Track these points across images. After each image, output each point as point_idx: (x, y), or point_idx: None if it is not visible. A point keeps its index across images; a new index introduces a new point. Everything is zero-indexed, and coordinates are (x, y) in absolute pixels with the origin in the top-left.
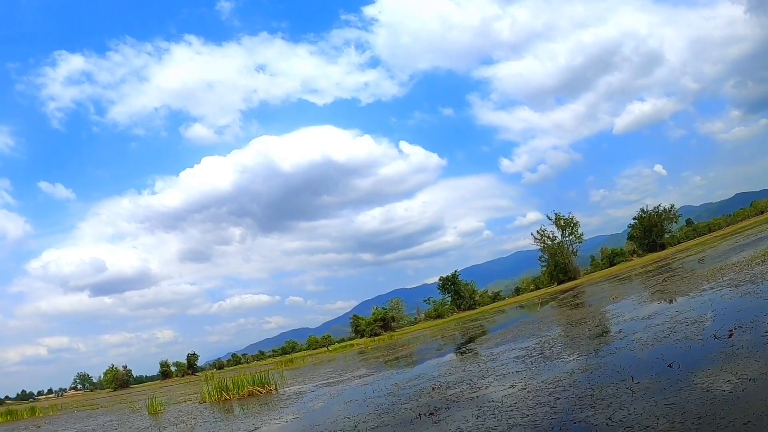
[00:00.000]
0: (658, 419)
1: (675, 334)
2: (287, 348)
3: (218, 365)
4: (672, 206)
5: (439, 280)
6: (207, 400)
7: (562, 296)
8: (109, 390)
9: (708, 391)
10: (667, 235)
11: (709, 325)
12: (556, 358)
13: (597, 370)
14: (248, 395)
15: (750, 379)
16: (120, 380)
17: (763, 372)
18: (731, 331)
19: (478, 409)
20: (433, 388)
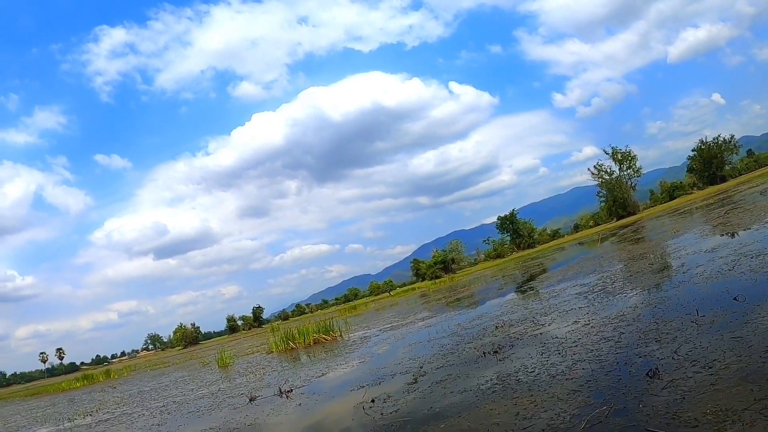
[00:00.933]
0: (725, 352)
1: (739, 266)
2: (349, 295)
3: (283, 317)
4: (732, 136)
5: (497, 219)
6: (274, 350)
7: (621, 231)
8: (180, 348)
9: None
10: (727, 167)
11: None
12: (618, 294)
13: (660, 304)
14: (314, 343)
15: None
16: (189, 338)
17: None
18: None
19: (542, 346)
20: (496, 327)
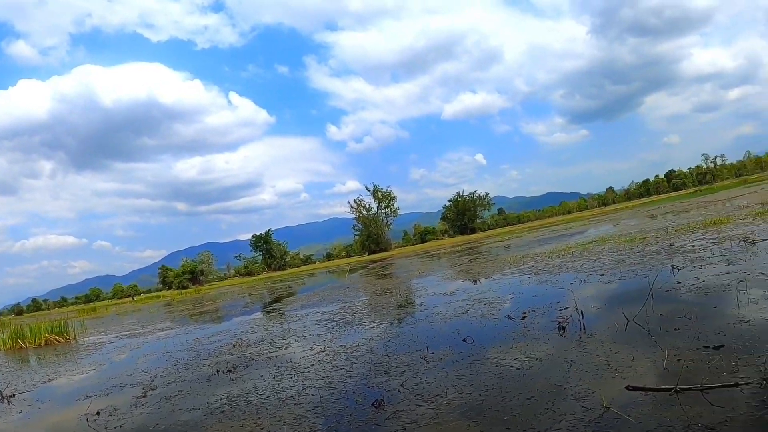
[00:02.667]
0: (448, 389)
1: (473, 311)
2: (91, 295)
3: (17, 311)
4: (487, 194)
5: (252, 237)
6: (1, 348)
7: (371, 266)
8: None
9: (497, 366)
10: (478, 220)
11: (505, 306)
12: (357, 325)
13: (395, 338)
14: (45, 344)
15: (536, 359)
16: None
17: (549, 353)
18: (525, 313)
19: (276, 369)
20: (234, 345)
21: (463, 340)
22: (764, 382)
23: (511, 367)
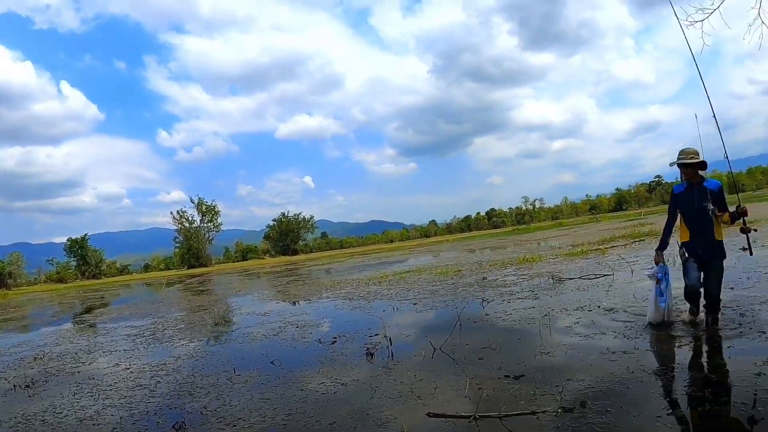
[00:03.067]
0: (251, 412)
1: (285, 333)
2: None
3: None
4: (312, 217)
5: (68, 240)
6: None
7: (189, 281)
8: None
9: (303, 390)
10: (301, 243)
11: (318, 330)
12: (167, 341)
13: (204, 358)
14: None
15: (342, 384)
16: None
17: (355, 379)
18: (335, 338)
19: (77, 386)
20: (36, 358)
21: (272, 363)
22: (559, 410)
23: (317, 391)
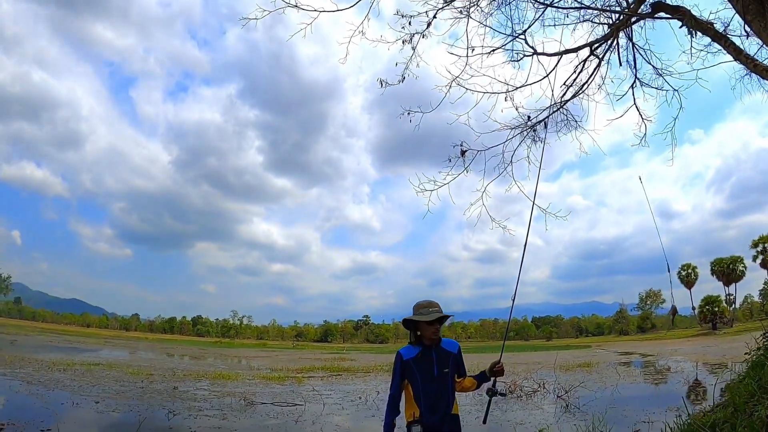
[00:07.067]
0: None
1: None
2: None
3: None
4: (9, 277)
5: None
6: None
7: None
8: None
9: None
10: None
11: None
12: None
13: None
14: None
15: None
16: None
17: None
18: (3, 425)
19: None
20: None
21: None
22: None
23: None
